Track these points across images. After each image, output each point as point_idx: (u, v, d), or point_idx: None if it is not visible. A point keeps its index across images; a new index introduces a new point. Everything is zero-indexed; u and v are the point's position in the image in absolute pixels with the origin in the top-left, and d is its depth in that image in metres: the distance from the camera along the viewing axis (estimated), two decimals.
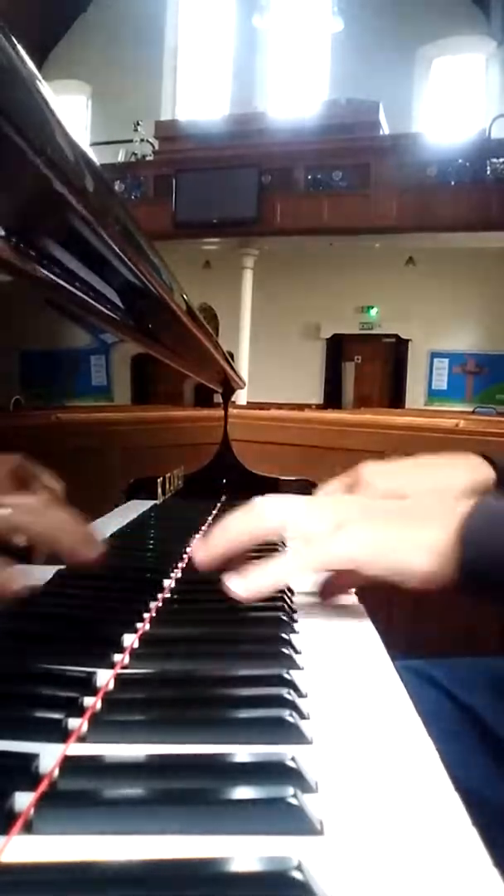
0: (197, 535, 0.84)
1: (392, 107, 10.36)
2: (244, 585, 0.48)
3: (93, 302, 0.73)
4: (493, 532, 0.45)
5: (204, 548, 0.52)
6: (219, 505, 1.12)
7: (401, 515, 0.49)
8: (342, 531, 0.47)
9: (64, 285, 0.64)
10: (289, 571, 0.50)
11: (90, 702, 0.34)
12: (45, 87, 0.40)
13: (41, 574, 0.60)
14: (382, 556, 0.47)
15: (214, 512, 1.04)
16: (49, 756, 0.29)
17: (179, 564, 0.67)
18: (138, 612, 0.50)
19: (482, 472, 0.63)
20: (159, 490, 1.09)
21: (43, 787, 0.26)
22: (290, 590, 0.59)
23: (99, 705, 0.34)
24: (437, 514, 0.47)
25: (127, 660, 0.41)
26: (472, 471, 0.63)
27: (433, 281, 10.24)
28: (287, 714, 0.33)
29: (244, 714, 0.34)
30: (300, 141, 9.43)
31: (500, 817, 0.36)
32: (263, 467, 1.39)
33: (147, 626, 0.47)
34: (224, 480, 1.37)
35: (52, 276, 0.61)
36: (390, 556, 0.47)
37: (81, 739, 0.31)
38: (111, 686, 0.37)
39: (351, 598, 0.58)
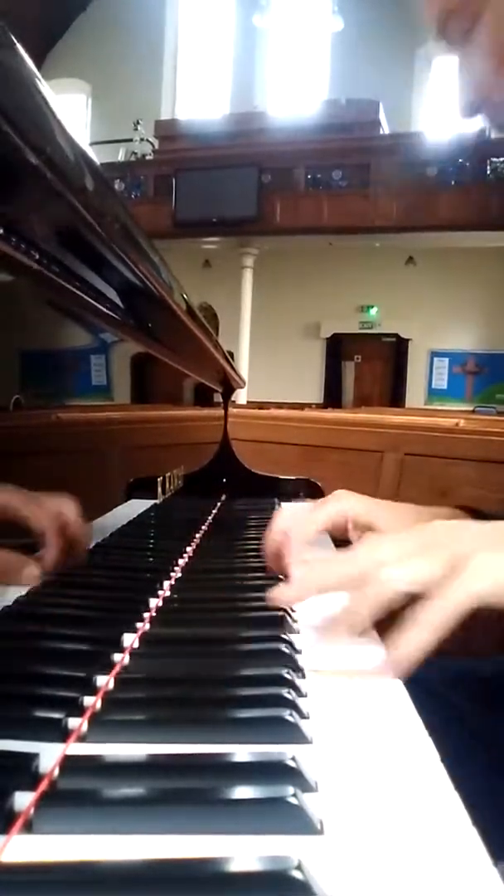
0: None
1: (392, 106, 10.35)
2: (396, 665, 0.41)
3: (93, 302, 0.73)
4: None
5: (289, 590, 0.49)
6: (219, 504, 1.12)
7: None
8: (470, 565, 0.42)
9: (64, 285, 0.64)
10: (433, 629, 0.42)
11: (90, 701, 0.34)
12: (44, 87, 0.40)
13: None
14: None
15: (214, 511, 1.04)
16: (49, 756, 0.29)
17: (179, 564, 0.67)
18: (138, 612, 0.50)
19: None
20: (159, 489, 1.09)
21: (43, 786, 0.26)
22: None
23: (99, 705, 0.34)
24: None
25: (127, 660, 0.41)
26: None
27: (433, 280, 10.23)
28: (287, 714, 0.33)
29: (244, 714, 0.34)
30: (300, 140, 9.42)
31: (497, 817, 0.36)
32: (263, 466, 1.39)
33: (147, 626, 0.47)
34: (224, 480, 1.37)
35: (52, 276, 0.61)
36: None
37: (81, 739, 0.31)
38: (111, 686, 0.37)
39: None
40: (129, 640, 0.44)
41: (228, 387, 1.52)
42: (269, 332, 10.30)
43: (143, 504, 1.03)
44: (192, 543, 0.79)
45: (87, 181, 0.49)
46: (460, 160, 8.75)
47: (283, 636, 0.44)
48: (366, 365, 11.22)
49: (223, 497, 1.23)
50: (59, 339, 0.81)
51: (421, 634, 0.41)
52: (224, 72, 12.36)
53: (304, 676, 0.39)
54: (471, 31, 0.54)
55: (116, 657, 0.41)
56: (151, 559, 0.74)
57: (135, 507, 1.00)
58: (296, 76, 12.10)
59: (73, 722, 0.32)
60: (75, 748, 0.30)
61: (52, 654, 0.41)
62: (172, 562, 0.67)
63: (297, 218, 9.22)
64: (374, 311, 10.94)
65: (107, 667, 0.39)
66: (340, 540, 0.65)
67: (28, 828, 0.24)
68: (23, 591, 0.53)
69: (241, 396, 6.99)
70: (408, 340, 10.88)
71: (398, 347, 10.96)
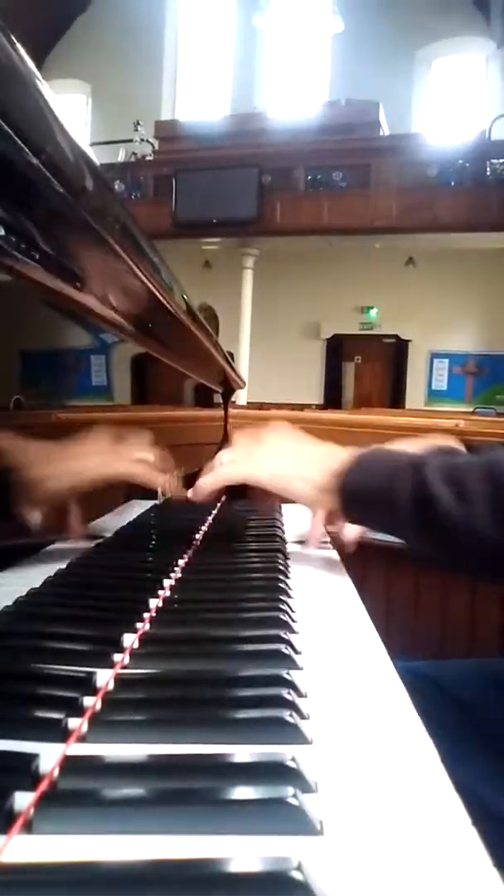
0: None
1: (392, 107, 10.35)
2: (194, 491, 0.75)
3: (93, 302, 0.73)
4: (361, 478, 0.65)
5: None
6: (218, 504, 1.12)
7: (294, 456, 0.73)
8: (256, 458, 0.74)
9: (64, 285, 0.64)
10: (219, 478, 0.75)
11: (90, 702, 0.34)
12: (44, 87, 0.40)
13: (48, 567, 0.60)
14: (280, 481, 0.72)
15: (214, 511, 1.04)
16: (49, 756, 0.28)
17: (179, 565, 0.67)
18: (138, 612, 0.50)
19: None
20: (159, 490, 1.09)
21: (43, 786, 0.26)
22: (288, 588, 0.59)
23: (99, 705, 0.34)
24: (318, 461, 0.70)
25: (127, 660, 0.41)
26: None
27: (433, 281, 10.22)
28: (287, 714, 0.33)
29: (244, 714, 0.33)
30: (300, 141, 9.41)
31: (499, 817, 0.36)
32: None
33: (147, 626, 0.47)
34: None
35: (52, 276, 0.60)
36: (284, 482, 0.71)
37: (81, 739, 0.31)
38: (111, 686, 0.37)
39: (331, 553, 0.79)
40: (129, 640, 0.44)
41: (228, 387, 1.52)
42: (269, 333, 10.29)
43: (143, 505, 1.03)
44: (192, 544, 0.79)
45: (87, 181, 0.49)
46: (460, 161, 8.75)
47: (283, 636, 0.44)
48: (366, 366, 11.22)
49: (223, 498, 1.23)
50: (59, 339, 0.81)
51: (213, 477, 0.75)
52: (224, 73, 12.36)
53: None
54: None
55: (116, 657, 0.41)
56: (151, 559, 0.74)
57: (135, 508, 1.00)
58: (296, 77, 12.11)
59: (73, 722, 0.32)
60: (75, 748, 0.30)
61: (53, 654, 0.41)
62: (172, 562, 0.67)
63: (298, 219, 9.22)
64: (374, 312, 10.93)
65: (107, 667, 0.39)
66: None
67: (28, 828, 0.24)
68: (23, 590, 0.53)
69: (241, 397, 6.99)
70: (408, 341, 10.88)
71: (398, 348, 10.95)
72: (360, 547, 0.80)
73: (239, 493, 1.29)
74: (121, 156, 10.31)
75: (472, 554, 0.58)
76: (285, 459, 0.73)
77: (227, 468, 0.75)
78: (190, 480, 1.30)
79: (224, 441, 1.44)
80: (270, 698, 0.35)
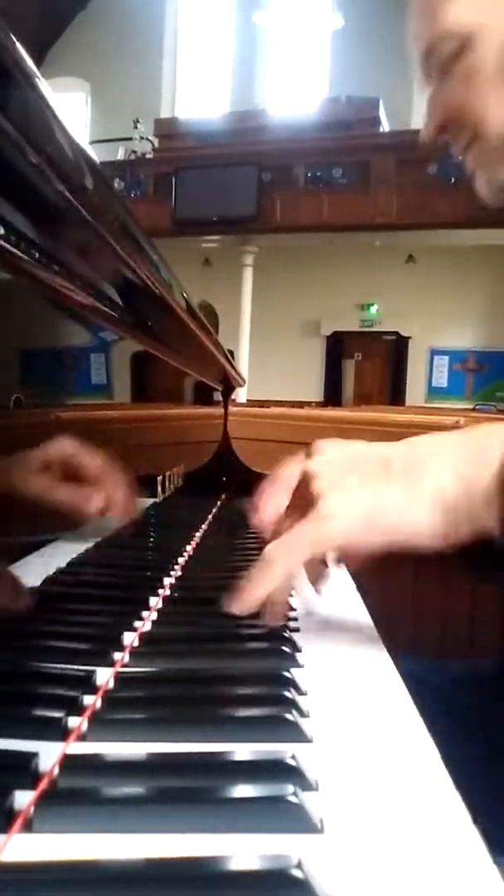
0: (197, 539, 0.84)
1: (392, 103, 10.32)
2: (239, 604, 0.44)
3: (92, 300, 0.73)
4: None
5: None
6: (219, 503, 1.12)
7: (384, 471, 0.41)
8: (320, 509, 0.41)
9: (64, 284, 0.64)
10: (277, 575, 0.43)
11: (90, 700, 0.34)
12: (44, 85, 0.40)
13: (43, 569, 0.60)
14: (378, 521, 0.39)
15: (214, 510, 1.04)
16: (49, 755, 0.29)
17: (179, 563, 0.67)
18: (138, 611, 0.50)
19: None
20: (159, 488, 1.09)
21: (43, 785, 0.26)
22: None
23: (99, 704, 0.34)
24: (432, 463, 0.39)
25: (127, 658, 0.41)
26: None
27: (433, 278, 10.21)
28: (287, 712, 0.33)
29: (244, 712, 0.34)
30: (300, 138, 9.39)
31: (499, 816, 0.36)
32: (263, 465, 1.38)
33: (147, 625, 0.47)
34: (224, 478, 1.36)
35: (52, 276, 0.60)
36: (388, 518, 0.39)
37: (81, 738, 0.31)
38: (111, 684, 0.37)
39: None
40: (130, 638, 0.44)
41: (228, 385, 1.52)
42: (269, 331, 10.28)
43: (143, 503, 1.03)
44: (193, 542, 0.79)
45: (86, 180, 0.49)
46: (460, 158, 8.73)
47: (284, 635, 0.44)
48: (366, 363, 11.21)
49: (223, 496, 1.23)
50: (58, 338, 0.81)
51: (261, 576, 0.43)
52: (224, 70, 12.33)
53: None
54: (449, 65, 0.67)
55: (117, 656, 0.41)
56: (152, 558, 0.74)
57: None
58: (296, 74, 12.08)
59: (72, 721, 0.32)
60: (75, 747, 0.30)
61: (53, 652, 0.41)
62: (172, 561, 0.67)
63: (298, 216, 9.20)
64: (374, 309, 10.92)
65: (107, 665, 0.39)
66: None
67: (28, 827, 0.24)
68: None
69: (241, 395, 6.98)
70: (408, 338, 10.87)
71: (398, 345, 10.95)
72: None
73: (243, 490, 1.29)
74: (120, 154, 10.29)
75: None
76: (370, 474, 0.42)
77: (275, 564, 0.43)
78: (190, 479, 1.30)
79: (225, 441, 1.44)
80: (271, 696, 0.35)
